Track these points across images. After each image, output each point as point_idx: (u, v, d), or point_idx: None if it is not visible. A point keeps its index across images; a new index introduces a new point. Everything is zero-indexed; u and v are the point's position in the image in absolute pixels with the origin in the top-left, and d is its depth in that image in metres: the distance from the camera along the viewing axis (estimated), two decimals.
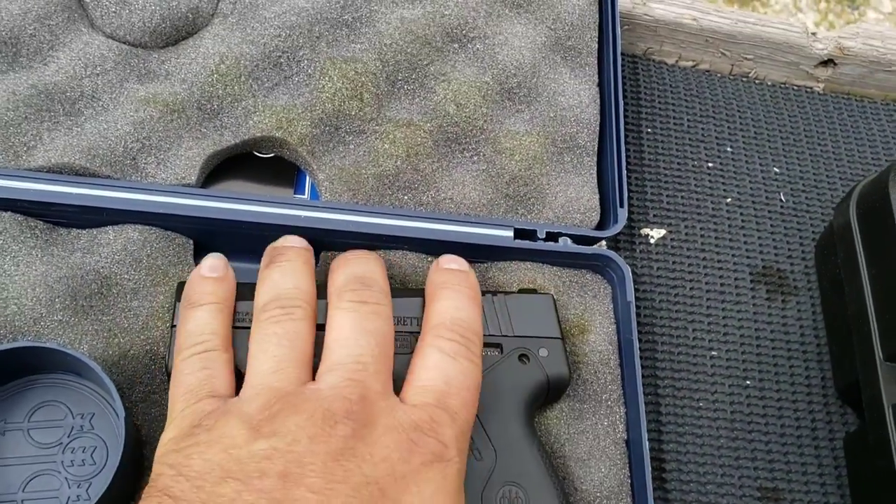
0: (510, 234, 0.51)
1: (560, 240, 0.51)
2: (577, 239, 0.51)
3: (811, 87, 0.66)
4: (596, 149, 0.55)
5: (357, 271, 0.40)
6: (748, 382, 0.52)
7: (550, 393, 0.46)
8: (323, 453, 0.32)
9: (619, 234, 0.54)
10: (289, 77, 0.53)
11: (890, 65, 0.64)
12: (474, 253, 0.50)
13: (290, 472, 0.31)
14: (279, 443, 0.32)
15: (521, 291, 0.49)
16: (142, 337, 0.45)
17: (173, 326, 0.43)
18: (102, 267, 0.46)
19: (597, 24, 0.58)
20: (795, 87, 0.65)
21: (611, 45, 0.57)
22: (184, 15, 0.52)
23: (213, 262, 0.43)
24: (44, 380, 0.42)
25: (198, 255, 0.49)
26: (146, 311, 0.46)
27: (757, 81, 0.65)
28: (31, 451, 0.41)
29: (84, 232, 0.47)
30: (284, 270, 0.40)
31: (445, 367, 0.37)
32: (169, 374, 0.42)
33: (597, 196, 0.53)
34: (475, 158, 0.53)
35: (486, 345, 0.45)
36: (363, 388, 0.35)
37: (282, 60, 0.53)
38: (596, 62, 0.58)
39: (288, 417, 0.33)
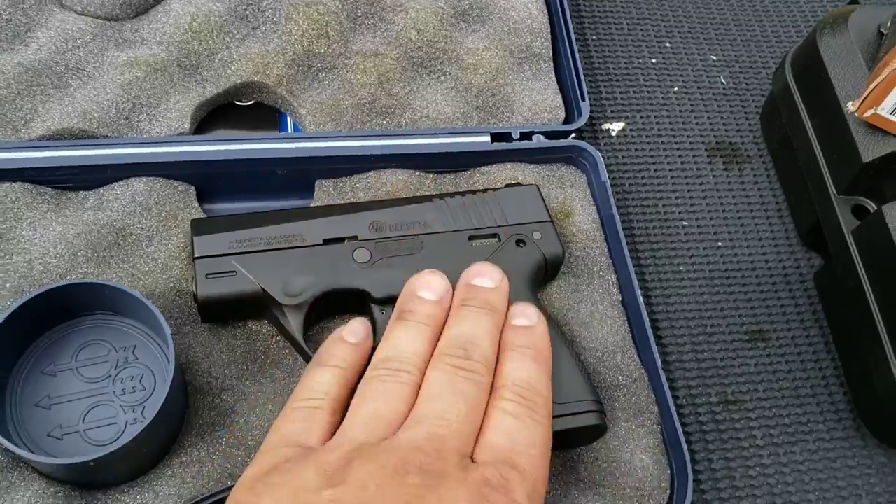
0: (487, 139, 0.55)
1: (534, 138, 0.55)
2: (549, 135, 0.55)
3: None
4: (551, 54, 0.59)
5: (465, 333, 0.41)
6: (720, 244, 0.57)
7: (548, 271, 0.50)
8: (391, 499, 0.33)
9: (583, 130, 0.58)
10: (256, 27, 0.56)
11: None
12: (457, 161, 0.54)
13: None
14: (347, 489, 0.33)
15: (507, 186, 0.53)
16: (164, 276, 0.48)
17: (195, 258, 0.46)
18: (115, 220, 0.49)
19: None
20: None
21: None
22: None
23: (356, 327, 0.43)
24: (82, 323, 0.45)
25: (201, 201, 0.52)
26: (164, 254, 0.48)
27: None
28: (83, 387, 0.43)
29: (91, 192, 0.50)
30: (409, 332, 0.41)
31: (509, 427, 0.37)
32: (197, 301, 0.45)
33: (559, 95, 0.58)
34: (443, 78, 0.57)
35: (484, 236, 0.49)
36: (442, 442, 0.35)
37: (248, 13, 0.56)
38: None
39: (361, 466, 0.34)
